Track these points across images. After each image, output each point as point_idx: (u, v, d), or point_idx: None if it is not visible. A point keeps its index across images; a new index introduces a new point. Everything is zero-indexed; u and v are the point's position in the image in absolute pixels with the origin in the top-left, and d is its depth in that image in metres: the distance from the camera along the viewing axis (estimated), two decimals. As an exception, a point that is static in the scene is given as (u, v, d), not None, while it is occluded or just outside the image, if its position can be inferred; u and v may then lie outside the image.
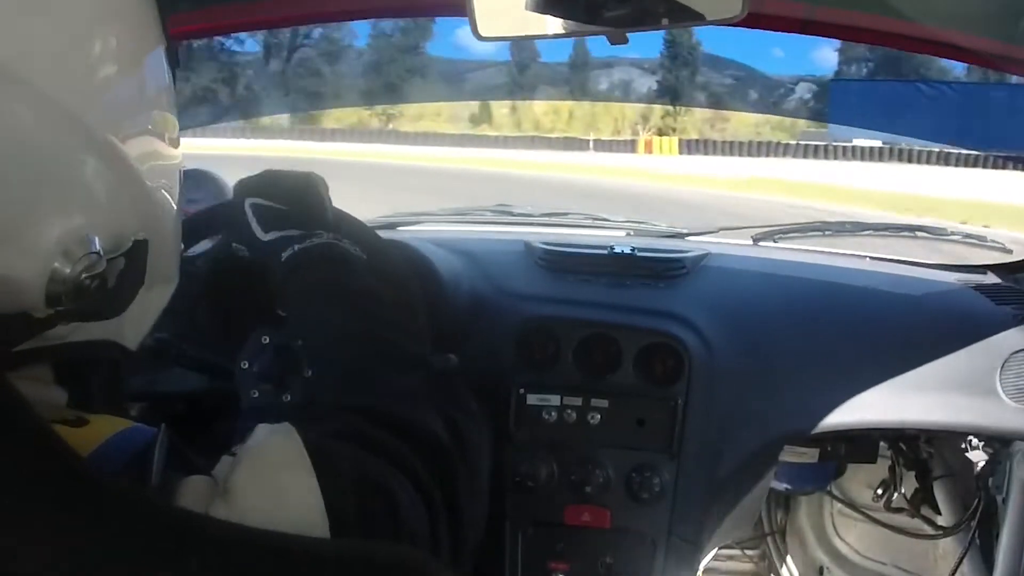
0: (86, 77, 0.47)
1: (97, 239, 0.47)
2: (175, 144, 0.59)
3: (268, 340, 1.01)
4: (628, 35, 1.01)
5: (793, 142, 22.29)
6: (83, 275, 0.46)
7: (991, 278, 1.61)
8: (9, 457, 0.39)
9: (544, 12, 0.93)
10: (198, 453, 0.56)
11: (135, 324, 0.59)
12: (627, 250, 1.49)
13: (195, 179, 1.53)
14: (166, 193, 0.57)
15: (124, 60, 0.51)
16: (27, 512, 0.38)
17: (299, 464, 0.51)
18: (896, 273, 1.64)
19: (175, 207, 0.60)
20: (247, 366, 1.01)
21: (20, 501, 0.38)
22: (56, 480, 0.39)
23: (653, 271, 1.47)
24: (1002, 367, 1.35)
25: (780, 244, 1.73)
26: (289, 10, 1.52)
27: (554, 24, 0.96)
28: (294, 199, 0.89)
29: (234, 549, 0.42)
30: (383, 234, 1.25)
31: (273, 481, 0.50)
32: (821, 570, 1.74)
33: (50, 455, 0.40)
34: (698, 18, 1.01)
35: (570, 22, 0.96)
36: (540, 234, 1.67)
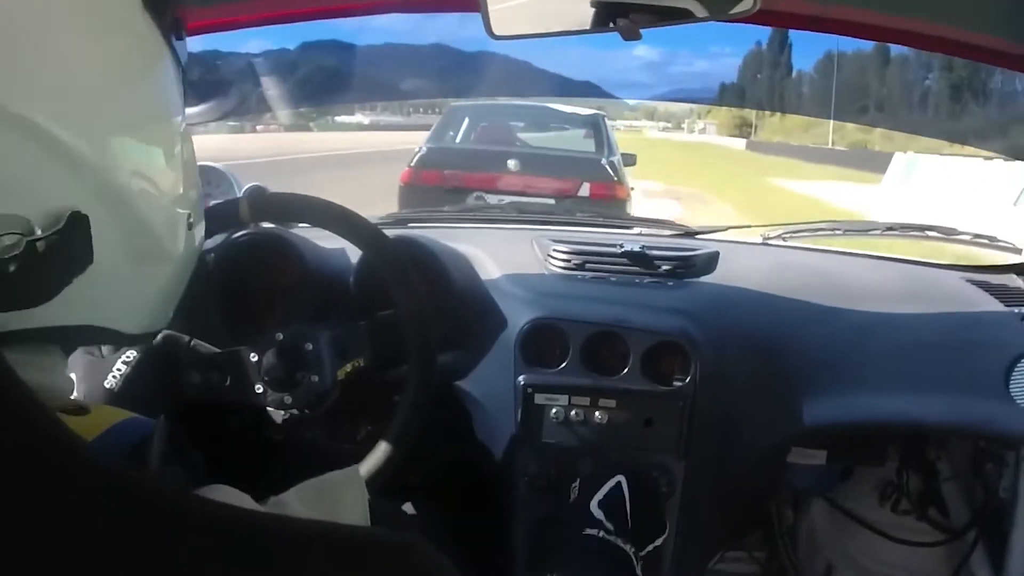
0: None
1: (17, 218, 0.44)
2: (153, 114, 0.56)
3: (282, 338, 1.01)
4: (640, 31, 1.00)
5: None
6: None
7: (1000, 279, 1.60)
8: (9, 439, 0.38)
9: (558, 9, 0.93)
10: (199, 447, 0.56)
11: (127, 306, 0.55)
12: (636, 248, 1.48)
13: (206, 176, 1.55)
14: (139, 156, 0.53)
15: (38, 17, 0.46)
16: (27, 495, 0.37)
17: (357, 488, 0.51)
18: (905, 273, 1.63)
19: (163, 177, 0.56)
20: (256, 359, 1.01)
21: (20, 484, 0.37)
22: (59, 464, 0.39)
23: (662, 269, 1.46)
24: (1010, 369, 1.34)
25: (789, 243, 1.72)
26: (295, 5, 1.51)
27: (568, 21, 0.96)
28: None
29: (233, 528, 0.41)
30: (392, 231, 1.24)
31: (327, 496, 0.50)
32: (829, 572, 1.73)
33: (53, 439, 0.40)
34: (709, 13, 1.01)
35: (584, 18, 0.96)
36: (550, 232, 1.66)
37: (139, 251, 0.53)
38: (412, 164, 6.57)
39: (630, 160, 7.59)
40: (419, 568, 0.46)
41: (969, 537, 1.58)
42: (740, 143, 38.52)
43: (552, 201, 5.86)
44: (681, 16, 1.00)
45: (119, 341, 0.56)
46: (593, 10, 0.94)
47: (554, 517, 1.27)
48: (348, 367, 1.03)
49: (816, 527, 1.73)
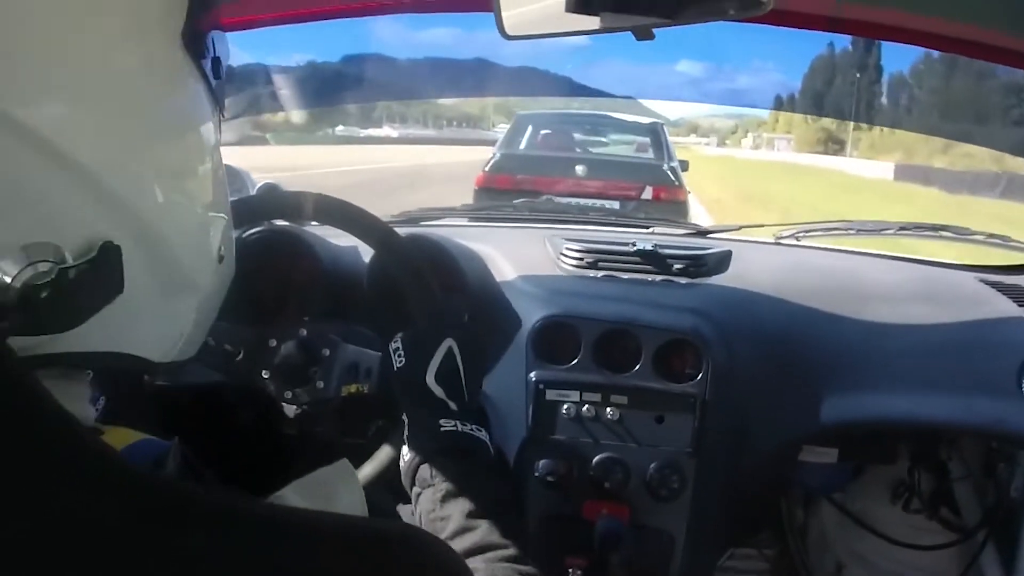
0: (20, 72, 0.43)
1: (49, 246, 0.44)
2: (186, 144, 0.56)
3: (305, 333, 1.02)
4: (654, 31, 1.01)
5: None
6: (31, 284, 0.43)
7: (1014, 279, 1.59)
8: (52, 451, 0.39)
9: (572, 9, 0.93)
10: (210, 465, 0.57)
11: (155, 334, 0.56)
12: (649, 247, 1.48)
13: None
14: (170, 193, 0.54)
15: (78, 54, 0.47)
16: (68, 500, 0.38)
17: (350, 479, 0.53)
18: (918, 273, 1.62)
19: (192, 214, 0.57)
20: (274, 344, 1.02)
21: (64, 491, 0.39)
22: (97, 472, 0.40)
23: (675, 268, 1.47)
24: (1023, 369, 1.34)
25: (802, 242, 1.72)
26: (311, 5, 1.53)
27: (581, 21, 0.96)
28: None
29: (240, 520, 0.42)
30: (404, 229, 1.25)
31: (322, 491, 0.51)
32: (839, 571, 1.73)
33: (92, 450, 0.41)
34: (721, 12, 1.01)
35: (597, 19, 0.96)
36: (562, 230, 1.67)
37: (167, 283, 0.54)
38: (486, 169, 6.85)
39: (684, 166, 7.85)
40: (421, 556, 0.48)
41: (980, 537, 1.58)
42: (868, 166, 27.57)
43: (617, 204, 6.13)
44: (692, 16, 1.00)
45: (145, 369, 0.56)
46: (607, 10, 0.95)
47: (562, 512, 1.28)
48: (353, 388, 1.03)
49: (827, 525, 1.73)
